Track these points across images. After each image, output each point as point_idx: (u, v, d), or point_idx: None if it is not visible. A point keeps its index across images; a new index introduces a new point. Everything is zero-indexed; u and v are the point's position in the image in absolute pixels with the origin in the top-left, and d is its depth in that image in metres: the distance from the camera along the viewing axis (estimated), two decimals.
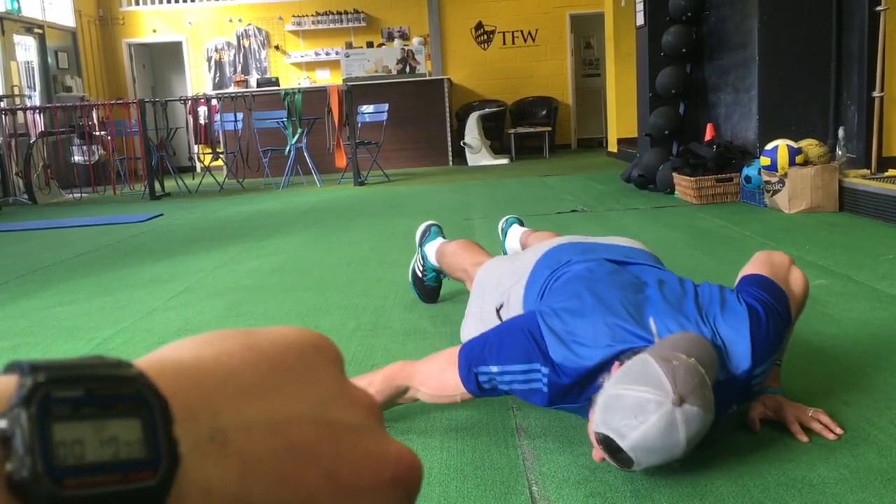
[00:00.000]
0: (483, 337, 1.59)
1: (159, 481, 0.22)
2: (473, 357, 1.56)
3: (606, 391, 1.37)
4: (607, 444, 1.34)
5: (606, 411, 1.34)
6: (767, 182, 4.70)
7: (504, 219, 2.97)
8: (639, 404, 1.30)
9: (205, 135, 9.35)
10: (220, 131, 9.09)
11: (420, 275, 2.80)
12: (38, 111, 8.55)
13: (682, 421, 1.29)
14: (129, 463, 0.21)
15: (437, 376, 1.63)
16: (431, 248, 2.68)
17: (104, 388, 0.22)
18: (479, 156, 9.80)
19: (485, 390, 1.57)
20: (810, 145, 4.65)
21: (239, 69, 11.82)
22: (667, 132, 6.18)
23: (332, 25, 11.67)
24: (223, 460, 0.23)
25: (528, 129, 10.92)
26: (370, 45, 11.49)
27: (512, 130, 10.84)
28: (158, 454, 0.22)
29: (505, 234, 2.87)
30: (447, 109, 10.04)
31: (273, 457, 0.24)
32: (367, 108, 8.81)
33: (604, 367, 1.46)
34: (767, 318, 1.54)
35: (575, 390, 1.49)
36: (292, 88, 8.56)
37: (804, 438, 1.57)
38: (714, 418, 1.36)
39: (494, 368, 1.53)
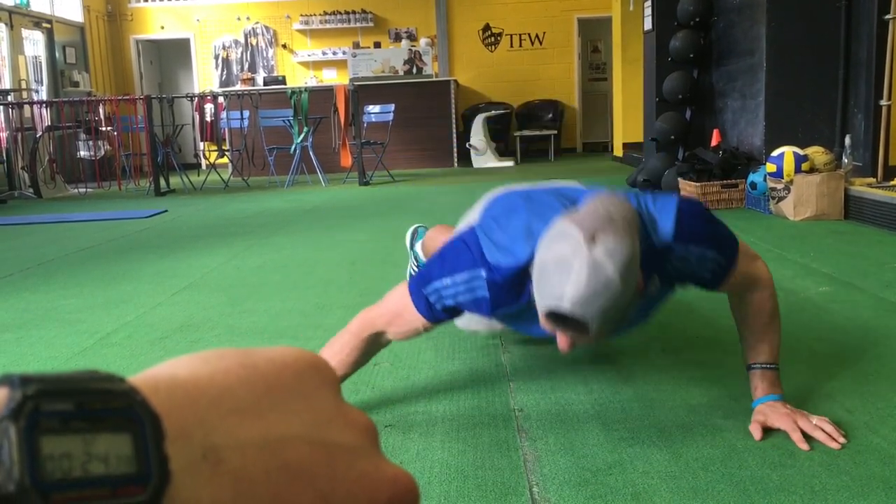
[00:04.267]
0: (427, 261, 1.65)
1: (149, 498, 0.21)
2: (421, 280, 1.64)
3: (534, 268, 1.39)
4: (554, 316, 1.34)
5: (539, 284, 1.35)
6: (773, 189, 4.69)
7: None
8: (559, 261, 1.30)
9: (211, 132, 9.37)
10: (226, 129, 9.09)
11: None
12: (44, 105, 8.57)
13: (604, 255, 1.29)
14: (118, 478, 0.21)
15: (395, 311, 1.70)
16: (420, 247, 2.69)
17: (95, 402, 0.22)
18: (485, 158, 9.80)
19: (436, 311, 1.62)
20: (816, 153, 4.64)
21: (246, 67, 11.83)
22: (673, 137, 6.17)
23: (339, 25, 11.69)
24: (216, 479, 0.23)
25: (533, 132, 10.91)
26: (377, 45, 11.50)
27: (518, 133, 10.83)
28: (149, 470, 0.21)
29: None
30: (453, 111, 10.03)
31: (267, 477, 0.24)
32: (373, 108, 8.82)
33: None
34: (700, 210, 1.58)
35: (513, 290, 1.53)
36: (299, 87, 8.57)
37: (805, 447, 1.56)
38: (634, 299, 1.36)
39: (439, 283, 1.59)
